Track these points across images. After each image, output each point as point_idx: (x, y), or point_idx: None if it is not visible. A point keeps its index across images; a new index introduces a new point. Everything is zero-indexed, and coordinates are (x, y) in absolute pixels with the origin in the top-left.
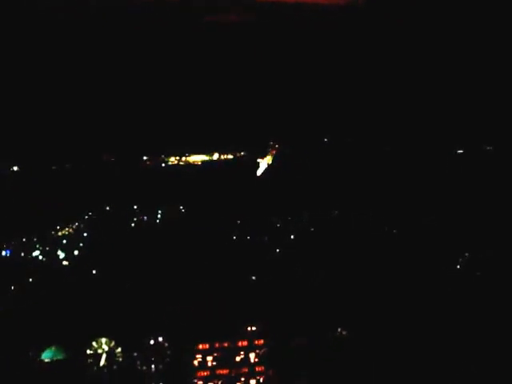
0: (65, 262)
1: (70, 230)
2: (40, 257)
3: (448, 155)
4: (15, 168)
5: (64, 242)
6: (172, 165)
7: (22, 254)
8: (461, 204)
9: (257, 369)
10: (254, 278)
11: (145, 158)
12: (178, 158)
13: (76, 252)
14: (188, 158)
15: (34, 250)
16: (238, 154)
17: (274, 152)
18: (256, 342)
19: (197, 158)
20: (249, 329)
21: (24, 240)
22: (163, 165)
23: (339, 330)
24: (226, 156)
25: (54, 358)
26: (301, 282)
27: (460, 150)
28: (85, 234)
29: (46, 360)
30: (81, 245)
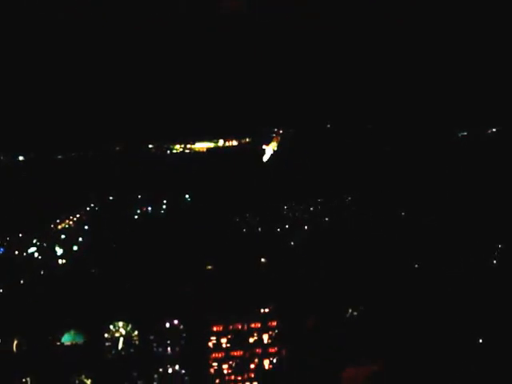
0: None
1: (79, 217)
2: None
3: (450, 139)
4: (20, 158)
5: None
6: (177, 152)
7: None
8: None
9: (270, 350)
10: (266, 260)
11: (150, 146)
12: (182, 145)
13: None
14: (193, 146)
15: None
16: (243, 141)
17: (279, 138)
18: (269, 324)
19: (202, 145)
20: (262, 310)
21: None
22: (168, 152)
23: (350, 310)
24: (231, 143)
25: (74, 342)
26: (313, 264)
27: (463, 132)
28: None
29: (66, 343)
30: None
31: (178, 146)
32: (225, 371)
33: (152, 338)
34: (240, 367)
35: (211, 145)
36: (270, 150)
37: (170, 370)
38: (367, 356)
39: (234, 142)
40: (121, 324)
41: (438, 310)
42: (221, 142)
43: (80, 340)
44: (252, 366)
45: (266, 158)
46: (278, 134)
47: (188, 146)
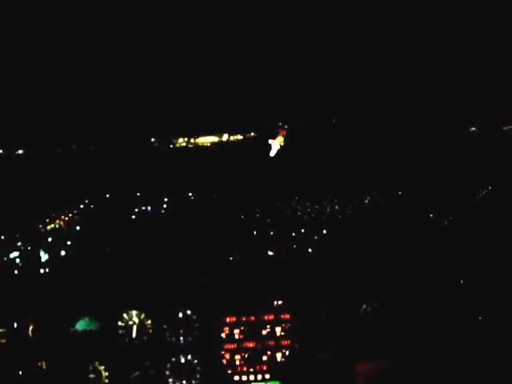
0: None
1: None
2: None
3: (460, 134)
4: (20, 151)
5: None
6: (180, 147)
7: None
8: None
9: (283, 342)
10: (279, 253)
11: (152, 139)
12: (186, 139)
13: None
14: (197, 140)
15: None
16: (247, 135)
17: (285, 133)
18: (282, 316)
19: (206, 140)
20: (275, 303)
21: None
22: (171, 146)
23: (364, 306)
24: (235, 137)
25: (88, 329)
26: (326, 257)
27: (473, 127)
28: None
29: (80, 330)
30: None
31: (181, 140)
32: (237, 362)
33: (165, 327)
34: (252, 359)
35: (215, 139)
36: (276, 144)
37: (182, 360)
38: (381, 351)
39: (239, 137)
40: (134, 313)
41: (452, 307)
42: (225, 137)
43: (94, 327)
44: (264, 357)
45: (272, 153)
46: (284, 128)
47: (191, 140)
